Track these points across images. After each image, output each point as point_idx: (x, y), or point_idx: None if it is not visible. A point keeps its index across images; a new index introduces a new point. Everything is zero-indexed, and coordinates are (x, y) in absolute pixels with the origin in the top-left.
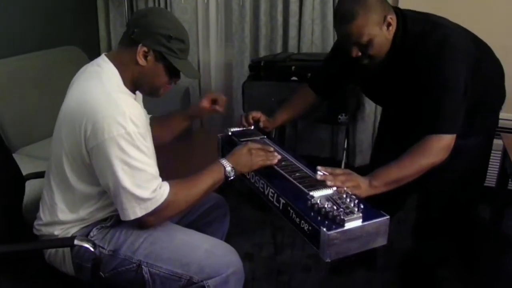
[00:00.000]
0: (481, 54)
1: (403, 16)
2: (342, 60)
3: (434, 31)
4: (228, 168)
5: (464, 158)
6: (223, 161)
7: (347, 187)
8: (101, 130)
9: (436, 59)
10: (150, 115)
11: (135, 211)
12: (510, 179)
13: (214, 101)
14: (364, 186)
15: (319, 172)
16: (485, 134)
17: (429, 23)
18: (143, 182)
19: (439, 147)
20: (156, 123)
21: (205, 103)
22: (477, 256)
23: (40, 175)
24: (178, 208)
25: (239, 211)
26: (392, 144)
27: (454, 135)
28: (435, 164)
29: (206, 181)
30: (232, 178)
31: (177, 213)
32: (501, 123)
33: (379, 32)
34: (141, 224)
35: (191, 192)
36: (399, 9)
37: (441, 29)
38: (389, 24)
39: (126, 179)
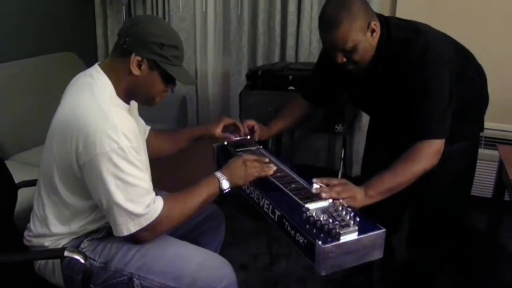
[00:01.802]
0: (463, 60)
1: (387, 23)
2: (329, 68)
3: (417, 38)
4: (223, 181)
5: (452, 163)
6: (218, 174)
7: (342, 199)
8: (93, 145)
9: (420, 66)
10: (149, 127)
11: (129, 227)
12: (506, 190)
13: (226, 127)
14: (359, 196)
15: (314, 185)
16: (471, 139)
17: (412, 30)
18: (136, 197)
19: (429, 152)
20: (161, 136)
21: (219, 131)
22: (474, 267)
23: (33, 183)
24: (172, 223)
25: (234, 220)
26: (381, 152)
27: (443, 140)
28: (426, 169)
29: (200, 194)
30: (227, 191)
31: (172, 227)
32: (497, 134)
33: (363, 38)
34: (135, 239)
35: (185, 206)
36: (383, 16)
37: (423, 36)
38: (373, 31)
39: (119, 195)
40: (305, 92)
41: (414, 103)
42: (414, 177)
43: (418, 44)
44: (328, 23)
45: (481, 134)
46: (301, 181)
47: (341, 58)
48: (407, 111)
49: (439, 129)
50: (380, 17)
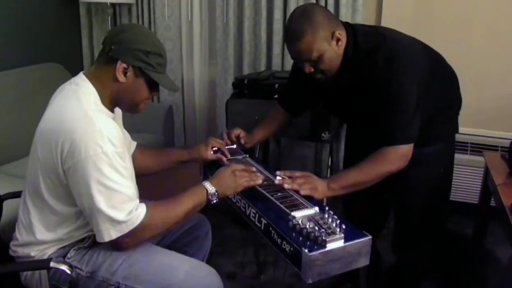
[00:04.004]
0: (433, 63)
1: (354, 31)
2: (301, 77)
3: (383, 44)
4: (211, 191)
5: (427, 165)
6: (206, 183)
7: (304, 190)
8: (78, 150)
9: (385, 73)
10: (135, 142)
11: (110, 233)
12: (492, 196)
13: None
14: (321, 188)
15: (278, 177)
16: (446, 141)
17: (378, 36)
18: (118, 203)
19: (395, 156)
20: (148, 152)
21: (210, 153)
22: (460, 272)
23: (18, 195)
24: (155, 231)
25: (221, 229)
26: (358, 157)
27: (410, 144)
28: (392, 171)
29: (186, 203)
30: (215, 201)
31: (155, 235)
32: (482, 140)
33: (328, 47)
34: (117, 246)
35: (169, 214)
36: (350, 24)
37: (390, 42)
38: (338, 40)
39: (101, 200)
40: (281, 101)
41: (381, 110)
42: (378, 178)
43: (384, 51)
44: (292, 35)
45: (467, 140)
46: (287, 189)
47: (308, 68)
48: (376, 117)
49: (404, 136)
50: (346, 25)
